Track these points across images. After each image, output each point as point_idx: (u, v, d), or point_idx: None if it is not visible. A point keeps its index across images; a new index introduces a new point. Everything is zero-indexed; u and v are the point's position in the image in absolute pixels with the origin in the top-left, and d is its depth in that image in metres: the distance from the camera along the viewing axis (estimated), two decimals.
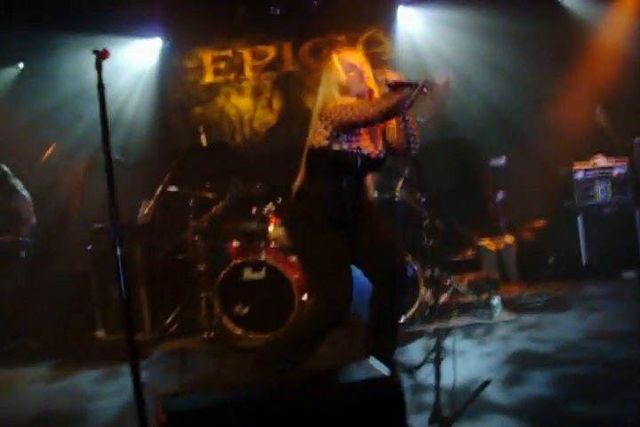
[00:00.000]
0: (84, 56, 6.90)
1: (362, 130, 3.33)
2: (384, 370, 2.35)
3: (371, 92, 3.37)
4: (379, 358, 2.55)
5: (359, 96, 3.35)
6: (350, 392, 2.23)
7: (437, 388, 3.17)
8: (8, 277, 5.78)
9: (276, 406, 2.18)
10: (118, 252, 2.60)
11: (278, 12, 7.35)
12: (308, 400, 2.21)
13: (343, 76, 3.33)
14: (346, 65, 3.36)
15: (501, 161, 6.32)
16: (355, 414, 2.16)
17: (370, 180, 3.51)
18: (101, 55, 2.70)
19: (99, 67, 2.70)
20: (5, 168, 5.94)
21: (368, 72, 3.38)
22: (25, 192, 5.96)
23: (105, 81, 2.73)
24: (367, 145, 3.35)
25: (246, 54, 7.58)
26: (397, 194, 5.24)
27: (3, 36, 6.73)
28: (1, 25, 6.53)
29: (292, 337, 3.40)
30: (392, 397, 2.15)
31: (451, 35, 6.90)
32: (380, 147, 3.42)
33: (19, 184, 5.98)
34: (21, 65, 7.52)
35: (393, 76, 3.25)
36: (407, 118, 3.27)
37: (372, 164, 3.39)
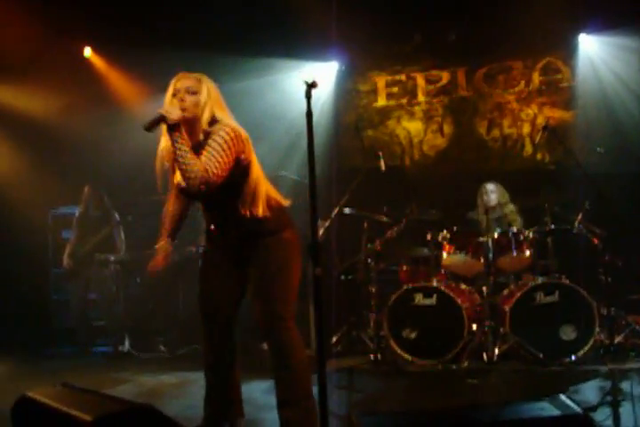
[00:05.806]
0: (267, 79, 7.33)
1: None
2: (577, 408, 2.32)
3: None
4: None
5: None
6: None
7: None
8: (186, 286, 6.15)
9: None
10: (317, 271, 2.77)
11: (454, 37, 7.41)
12: None
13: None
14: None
15: None
16: None
17: (242, 213, 3.27)
18: (311, 86, 2.89)
19: (308, 96, 2.89)
20: None
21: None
22: None
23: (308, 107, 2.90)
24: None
25: (420, 79, 7.67)
26: (576, 226, 5.08)
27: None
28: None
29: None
30: None
31: (635, 62, 6.63)
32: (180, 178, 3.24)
33: None
34: None
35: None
36: (176, 151, 3.06)
37: (189, 193, 3.30)
